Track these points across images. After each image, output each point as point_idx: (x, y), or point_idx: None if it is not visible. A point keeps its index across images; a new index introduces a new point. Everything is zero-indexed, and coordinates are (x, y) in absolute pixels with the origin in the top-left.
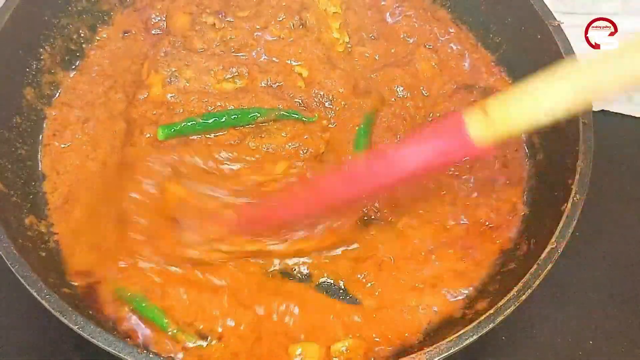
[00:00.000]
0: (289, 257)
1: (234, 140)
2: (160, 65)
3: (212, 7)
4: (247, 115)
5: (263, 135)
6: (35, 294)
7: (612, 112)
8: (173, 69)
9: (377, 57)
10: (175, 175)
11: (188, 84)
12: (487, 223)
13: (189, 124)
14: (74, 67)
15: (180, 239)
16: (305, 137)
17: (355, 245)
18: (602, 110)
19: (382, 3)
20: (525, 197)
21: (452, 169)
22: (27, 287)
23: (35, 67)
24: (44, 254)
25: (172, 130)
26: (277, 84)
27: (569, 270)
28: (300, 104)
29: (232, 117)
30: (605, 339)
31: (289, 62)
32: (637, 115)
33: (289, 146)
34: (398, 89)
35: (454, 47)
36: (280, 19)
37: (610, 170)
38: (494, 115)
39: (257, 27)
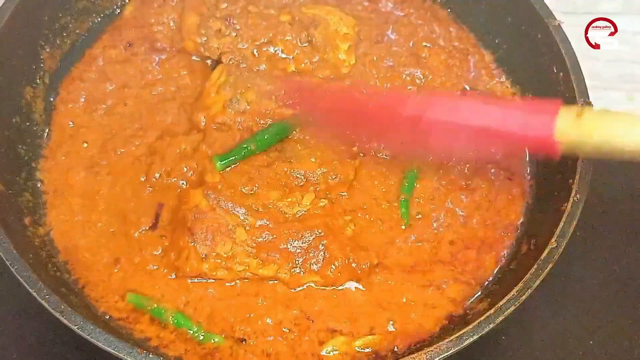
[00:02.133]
0: (298, 287)
1: (262, 165)
2: (222, 87)
3: (221, 12)
4: (290, 126)
5: (292, 161)
6: (34, 294)
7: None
8: (239, 91)
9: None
10: (200, 183)
11: (249, 107)
12: (481, 239)
13: (245, 148)
14: (74, 67)
15: (192, 250)
16: (334, 162)
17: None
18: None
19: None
20: (524, 212)
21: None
22: (27, 287)
23: (35, 67)
24: (43, 253)
25: (231, 159)
26: None
27: (569, 270)
28: None
29: (276, 130)
30: (605, 339)
31: None
32: None
33: (319, 172)
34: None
35: (455, 48)
36: (289, 35)
37: (610, 170)
38: (587, 122)
39: (263, 40)
